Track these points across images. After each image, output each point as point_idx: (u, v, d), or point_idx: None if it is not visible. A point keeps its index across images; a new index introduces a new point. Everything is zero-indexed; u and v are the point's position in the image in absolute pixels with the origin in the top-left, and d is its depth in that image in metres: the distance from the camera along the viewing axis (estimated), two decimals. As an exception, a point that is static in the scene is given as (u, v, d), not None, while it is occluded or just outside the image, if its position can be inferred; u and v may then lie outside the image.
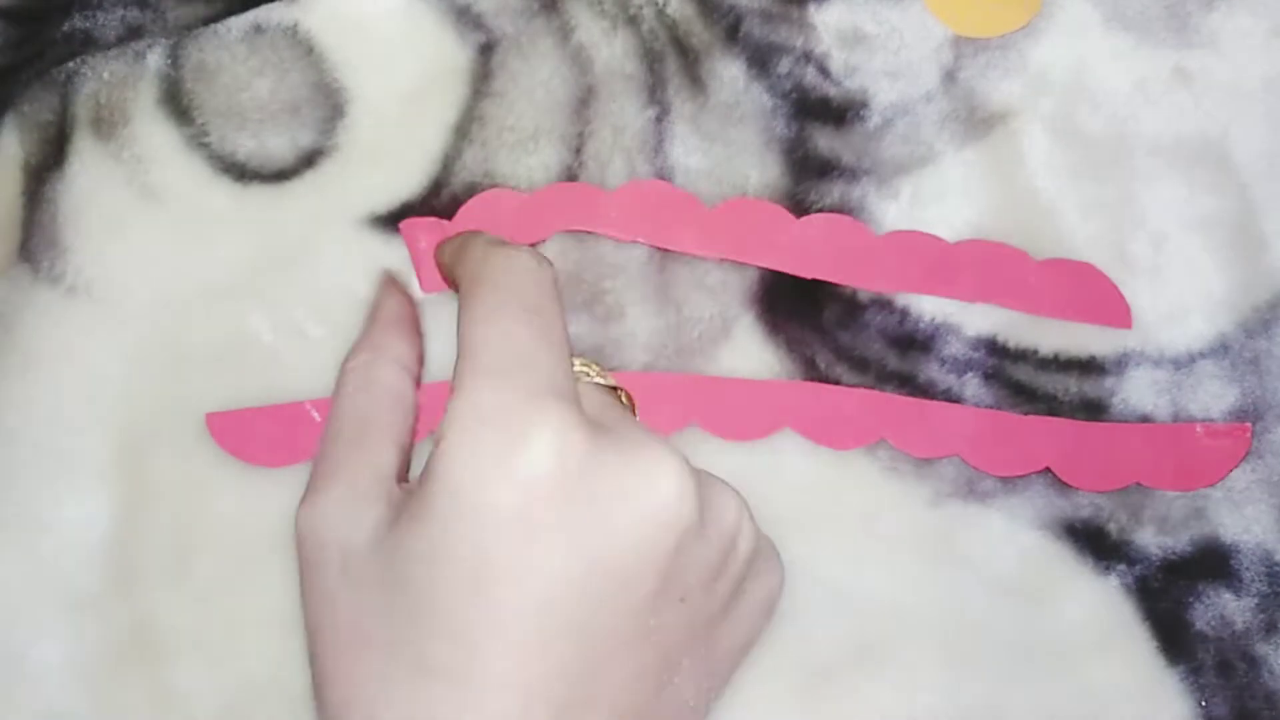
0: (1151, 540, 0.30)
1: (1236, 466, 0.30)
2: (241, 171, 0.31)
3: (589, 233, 0.31)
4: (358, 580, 0.24)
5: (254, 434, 0.30)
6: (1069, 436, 0.30)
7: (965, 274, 0.30)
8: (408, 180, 0.31)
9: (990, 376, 0.30)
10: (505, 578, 0.22)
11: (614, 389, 0.28)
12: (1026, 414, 0.30)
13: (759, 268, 0.31)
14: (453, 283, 0.28)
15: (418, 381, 0.28)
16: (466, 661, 0.22)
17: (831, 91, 0.31)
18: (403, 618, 0.23)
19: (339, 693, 0.23)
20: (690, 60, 0.31)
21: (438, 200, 0.31)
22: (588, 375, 0.27)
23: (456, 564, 0.22)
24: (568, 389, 0.24)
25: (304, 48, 0.31)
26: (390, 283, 0.30)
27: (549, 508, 0.22)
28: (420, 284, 0.30)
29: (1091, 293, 0.30)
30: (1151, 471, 0.30)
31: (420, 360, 0.28)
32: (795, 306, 0.31)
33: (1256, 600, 0.30)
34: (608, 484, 0.23)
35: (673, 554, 0.23)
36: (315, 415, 0.30)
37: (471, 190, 0.31)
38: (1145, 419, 0.30)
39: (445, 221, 0.30)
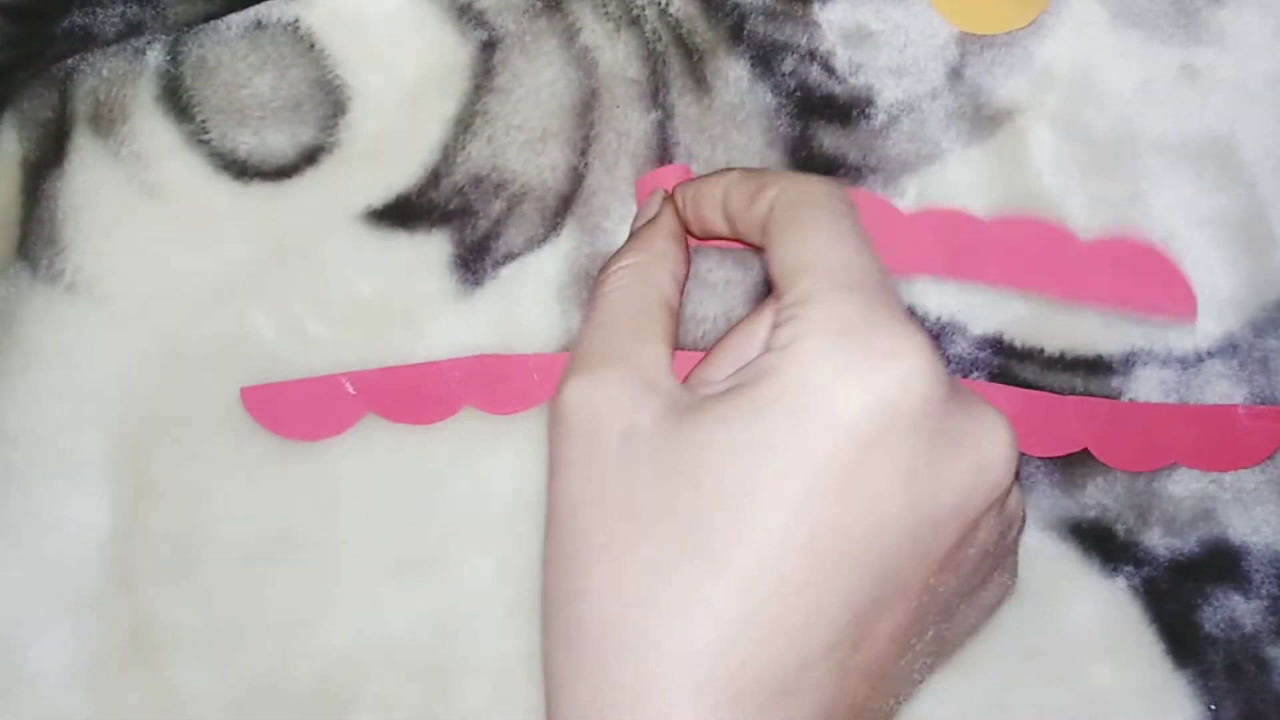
0: (1159, 541, 0.30)
1: (1278, 449, 0.29)
2: (242, 169, 0.30)
3: (599, 229, 0.30)
4: (642, 459, 0.23)
5: (288, 407, 0.30)
6: (1106, 416, 0.29)
7: (997, 256, 0.30)
8: (405, 172, 0.30)
9: (996, 375, 0.30)
10: (834, 492, 0.21)
11: None
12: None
13: (765, 266, 0.30)
14: (724, 223, 0.27)
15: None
16: (762, 565, 0.21)
17: (836, 90, 0.31)
18: (698, 505, 0.22)
19: (606, 566, 0.22)
20: (694, 60, 0.31)
21: (435, 191, 0.30)
22: None
23: (784, 463, 0.21)
24: (915, 321, 0.23)
25: (305, 44, 0.31)
26: (666, 199, 0.29)
27: (897, 435, 0.22)
28: None
29: (1149, 277, 0.29)
30: (1191, 452, 0.29)
31: (685, 282, 0.28)
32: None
33: (1266, 602, 0.30)
34: (953, 428, 0.22)
35: (979, 517, 0.23)
36: (350, 388, 0.30)
37: (477, 182, 0.30)
38: (1153, 419, 0.30)
39: (684, 167, 0.30)
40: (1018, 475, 0.24)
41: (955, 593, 0.24)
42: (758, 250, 0.26)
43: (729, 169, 0.28)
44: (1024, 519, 0.26)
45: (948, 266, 0.30)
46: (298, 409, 0.29)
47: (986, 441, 0.23)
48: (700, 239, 0.29)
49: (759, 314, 0.26)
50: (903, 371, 0.22)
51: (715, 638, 0.21)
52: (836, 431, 0.21)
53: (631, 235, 0.28)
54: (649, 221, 0.28)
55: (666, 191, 0.29)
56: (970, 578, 0.24)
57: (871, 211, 0.30)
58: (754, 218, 0.26)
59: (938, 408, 0.22)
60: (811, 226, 0.24)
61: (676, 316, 0.26)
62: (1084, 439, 0.29)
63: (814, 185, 0.25)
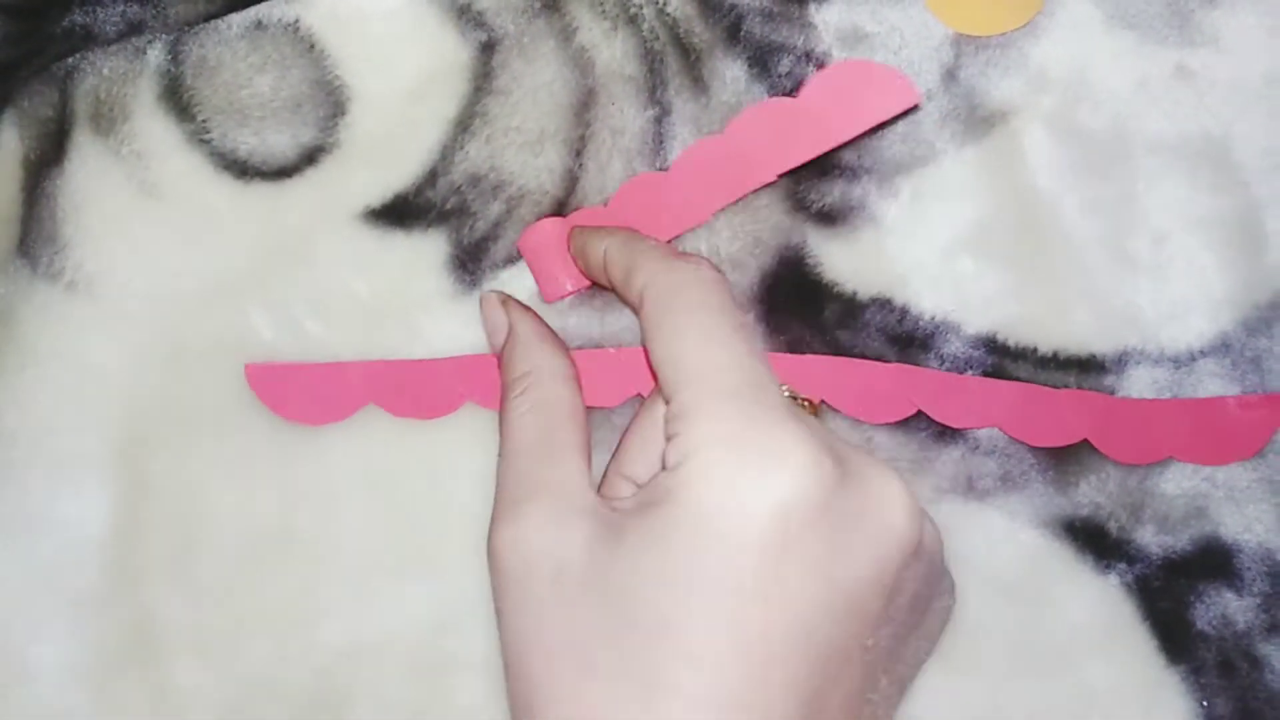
0: (1152, 539, 0.30)
1: (1272, 438, 0.30)
2: (242, 169, 0.31)
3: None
4: (573, 597, 0.24)
5: (291, 388, 0.30)
6: (1102, 410, 0.30)
7: (745, 160, 0.30)
8: (403, 173, 0.31)
9: (990, 374, 0.30)
10: (754, 600, 0.22)
11: (798, 399, 0.29)
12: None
13: (760, 268, 0.31)
14: (608, 282, 0.28)
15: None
16: (708, 684, 0.22)
17: (832, 90, 0.31)
18: (634, 637, 0.23)
19: (562, 711, 0.23)
20: (691, 60, 0.31)
21: (433, 191, 0.31)
22: (791, 397, 0.28)
23: (702, 586, 0.22)
24: (795, 409, 0.24)
25: (305, 44, 0.31)
26: (507, 300, 0.30)
27: (801, 532, 0.23)
28: (543, 293, 0.30)
29: (865, 90, 0.29)
30: (1186, 445, 0.30)
31: (577, 377, 0.28)
32: (796, 305, 0.31)
33: (1258, 600, 0.30)
34: (851, 506, 0.23)
35: (897, 575, 0.24)
36: (354, 377, 0.30)
37: (475, 181, 0.31)
38: (1146, 418, 0.30)
39: (560, 219, 0.30)
40: (922, 511, 0.25)
41: (896, 639, 0.25)
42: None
43: (611, 230, 0.28)
44: (941, 542, 0.26)
45: (720, 195, 0.30)
46: (300, 391, 0.30)
47: (886, 505, 0.24)
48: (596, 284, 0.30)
49: (652, 406, 0.27)
50: (792, 471, 0.23)
51: None
52: (741, 545, 0.22)
53: (503, 356, 0.29)
54: (512, 339, 0.29)
55: (500, 295, 0.30)
56: (907, 621, 0.25)
57: (639, 184, 0.30)
58: (629, 298, 0.27)
59: (832, 494, 0.23)
60: (683, 325, 0.25)
61: (583, 417, 0.27)
62: (1083, 430, 0.30)
63: (681, 272, 0.26)
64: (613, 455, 0.27)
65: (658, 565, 0.23)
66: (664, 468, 0.24)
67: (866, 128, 0.30)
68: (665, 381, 0.25)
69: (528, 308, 0.30)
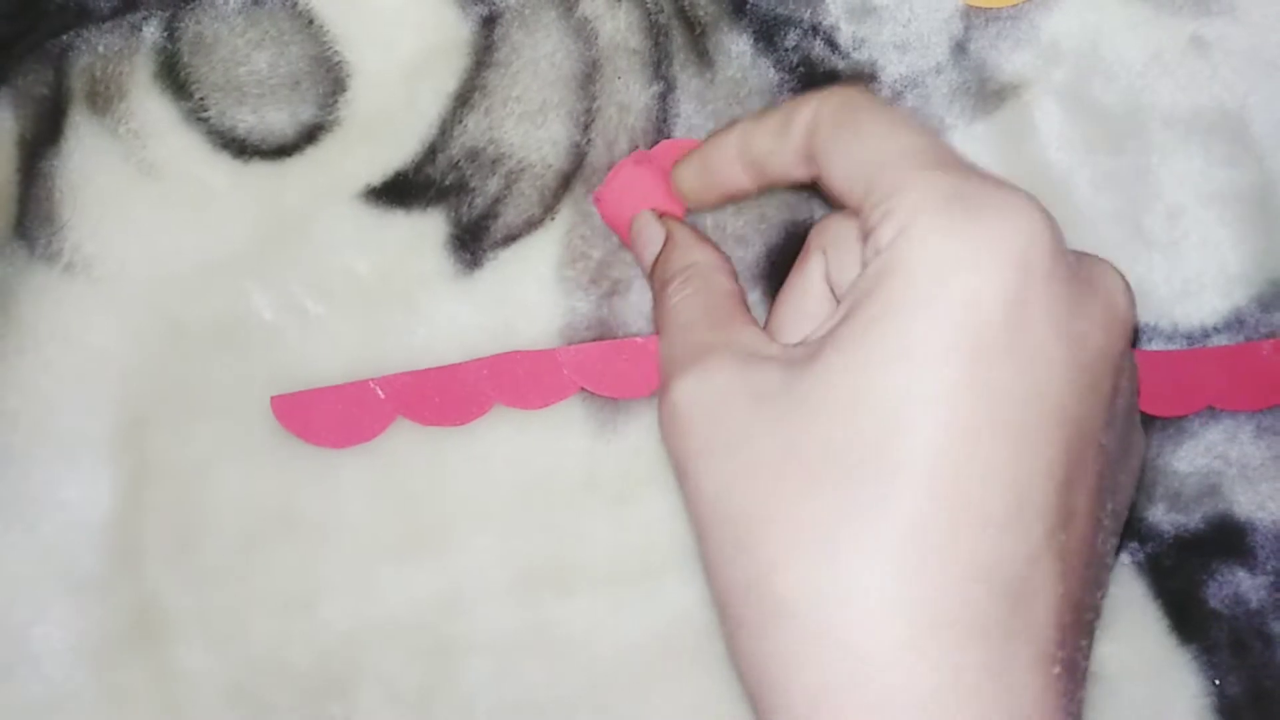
0: (1164, 517, 0.30)
1: None
2: (241, 147, 0.30)
3: (595, 211, 0.30)
4: (776, 416, 0.21)
5: (318, 414, 0.29)
6: (1138, 364, 0.29)
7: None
8: (403, 150, 0.30)
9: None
10: (1002, 360, 0.20)
11: None
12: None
13: (765, 244, 0.30)
14: (720, 194, 0.27)
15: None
16: (957, 461, 0.20)
17: (840, 65, 0.31)
18: (853, 431, 0.20)
19: (779, 533, 0.20)
20: (696, 34, 0.30)
21: (432, 167, 0.30)
22: None
23: (943, 354, 0.20)
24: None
25: (303, 20, 0.30)
26: (659, 221, 0.28)
27: (1039, 286, 0.20)
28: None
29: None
30: (1225, 393, 0.29)
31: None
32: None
33: (1272, 578, 0.30)
34: (1080, 270, 0.22)
35: (1120, 359, 0.22)
36: (380, 393, 0.29)
37: (473, 155, 0.30)
38: (1158, 395, 0.30)
39: (639, 155, 0.30)
40: None
41: (1117, 452, 0.23)
42: (802, 187, 0.25)
43: (729, 123, 0.27)
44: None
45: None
46: (328, 416, 0.29)
47: (1108, 278, 0.22)
48: (712, 205, 0.29)
49: (804, 268, 0.25)
50: (1024, 222, 0.21)
51: (924, 551, 0.20)
52: (982, 298, 0.20)
53: (658, 263, 0.27)
54: (669, 244, 0.27)
55: (655, 211, 0.28)
56: (1124, 435, 0.23)
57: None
58: (791, 148, 0.24)
59: (1064, 250, 0.21)
60: (869, 123, 0.23)
61: (747, 307, 0.25)
62: None
63: (849, 89, 0.24)
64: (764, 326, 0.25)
65: (880, 347, 0.20)
66: (872, 257, 0.21)
67: None
68: (856, 183, 0.22)
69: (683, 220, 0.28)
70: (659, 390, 0.24)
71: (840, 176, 0.23)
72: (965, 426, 0.20)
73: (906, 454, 0.20)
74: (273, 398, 0.29)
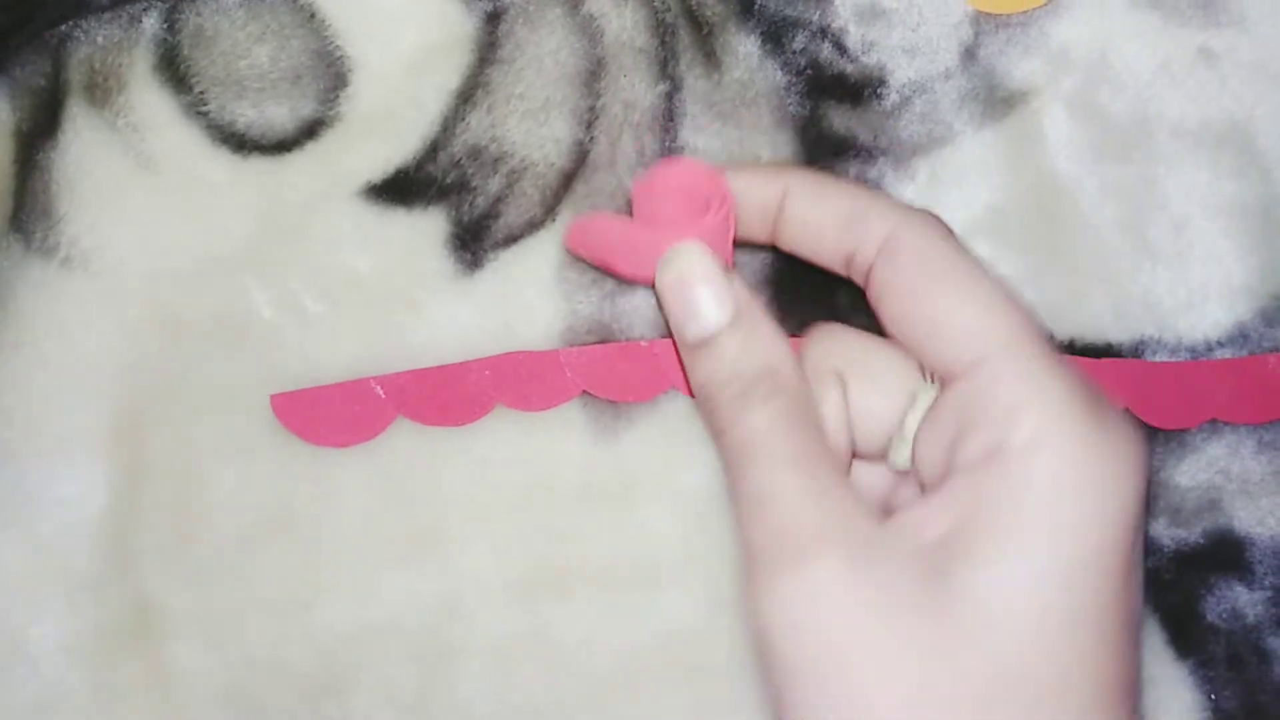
0: (1164, 531, 0.30)
1: None
2: (241, 142, 0.30)
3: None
4: (917, 629, 0.19)
5: (319, 413, 0.29)
6: (1140, 376, 0.29)
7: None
8: (404, 147, 0.30)
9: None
10: (1122, 582, 0.20)
11: None
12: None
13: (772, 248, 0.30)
14: (771, 233, 0.23)
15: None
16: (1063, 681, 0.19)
17: (848, 68, 0.30)
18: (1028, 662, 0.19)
19: None
20: (704, 34, 0.30)
21: (433, 165, 0.30)
22: None
23: (1077, 578, 0.19)
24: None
25: (305, 14, 0.30)
26: (729, 274, 0.23)
27: (1140, 518, 0.20)
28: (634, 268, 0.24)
29: None
30: (1228, 405, 0.29)
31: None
32: (808, 289, 0.30)
33: (1269, 594, 0.30)
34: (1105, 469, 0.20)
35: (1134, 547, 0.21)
36: (380, 392, 0.29)
37: (475, 154, 0.30)
38: (1160, 407, 0.30)
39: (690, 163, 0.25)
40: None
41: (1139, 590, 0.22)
42: (829, 270, 0.23)
43: (785, 167, 0.25)
44: None
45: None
46: (328, 415, 0.29)
47: (1133, 460, 0.21)
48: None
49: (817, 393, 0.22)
50: (1141, 454, 0.20)
51: None
52: (1119, 523, 0.20)
53: (714, 354, 0.22)
54: (744, 332, 0.22)
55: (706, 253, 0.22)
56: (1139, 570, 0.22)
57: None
58: (848, 247, 0.22)
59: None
60: (965, 279, 0.21)
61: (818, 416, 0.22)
62: (1123, 399, 0.29)
63: (932, 220, 0.22)
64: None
65: (1028, 568, 0.19)
66: (993, 452, 0.20)
67: None
68: (948, 343, 0.21)
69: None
70: (748, 582, 0.20)
71: (921, 327, 0.21)
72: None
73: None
74: (272, 396, 0.29)
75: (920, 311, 0.21)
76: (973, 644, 0.19)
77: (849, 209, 0.22)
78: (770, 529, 0.20)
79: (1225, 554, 0.30)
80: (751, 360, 0.22)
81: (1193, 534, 0.30)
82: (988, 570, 0.19)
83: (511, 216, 0.30)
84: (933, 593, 0.19)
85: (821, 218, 0.23)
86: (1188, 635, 0.29)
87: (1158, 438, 0.30)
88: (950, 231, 0.23)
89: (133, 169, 0.30)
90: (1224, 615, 0.30)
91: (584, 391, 0.29)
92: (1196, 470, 0.30)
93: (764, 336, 0.22)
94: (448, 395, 0.29)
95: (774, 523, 0.20)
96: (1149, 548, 0.30)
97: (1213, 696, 0.29)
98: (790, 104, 0.30)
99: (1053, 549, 0.19)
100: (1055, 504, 0.19)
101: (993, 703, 0.19)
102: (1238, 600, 0.30)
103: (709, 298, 0.22)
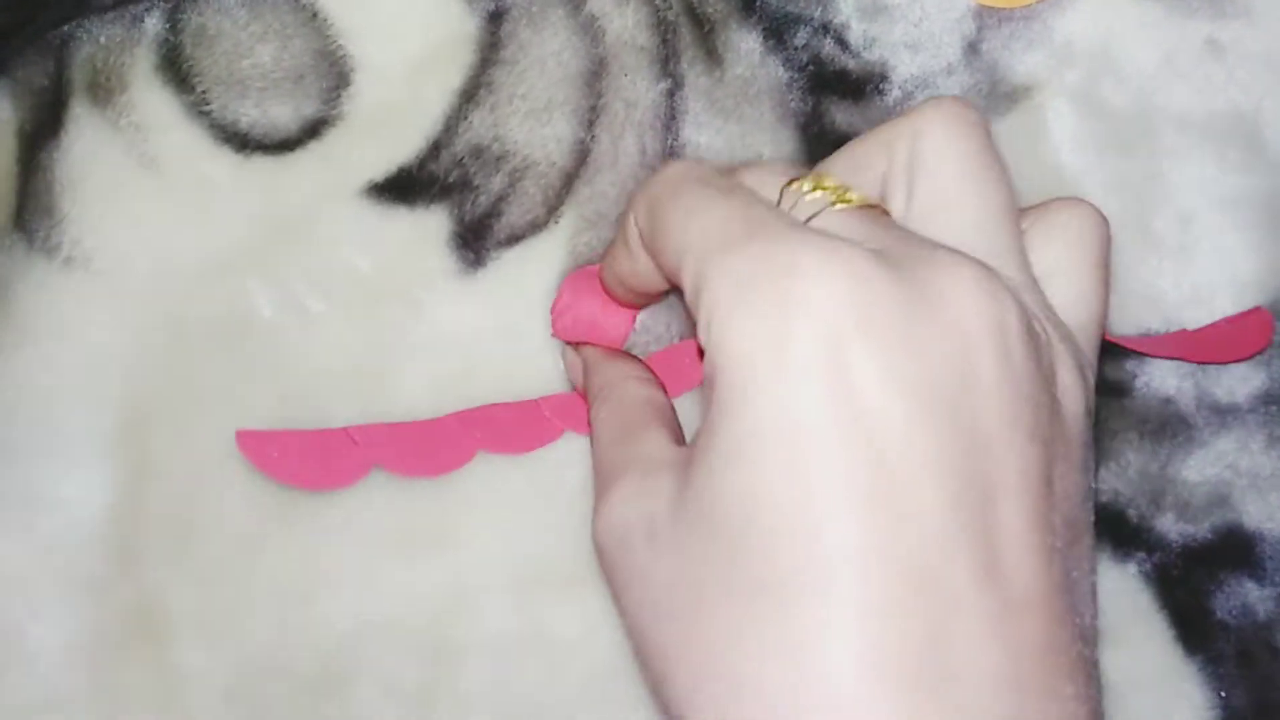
0: (1172, 527, 0.30)
1: (1272, 337, 0.29)
2: (243, 142, 0.30)
3: (600, 216, 0.30)
4: (669, 544, 0.21)
5: (290, 455, 0.29)
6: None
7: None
8: (407, 146, 0.30)
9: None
10: (846, 441, 0.19)
11: (873, 207, 0.23)
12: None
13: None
14: (633, 296, 0.27)
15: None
16: (804, 568, 0.19)
17: (850, 64, 0.30)
18: (728, 556, 0.20)
19: (691, 660, 0.20)
20: (705, 31, 0.30)
21: (435, 164, 0.30)
22: (835, 201, 0.23)
23: (777, 454, 0.19)
24: (808, 228, 0.21)
25: (308, 13, 0.30)
26: (576, 344, 0.29)
27: (859, 345, 0.19)
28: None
29: None
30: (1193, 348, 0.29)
31: (650, 373, 0.27)
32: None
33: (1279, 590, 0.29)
34: (915, 294, 0.20)
35: (985, 368, 0.20)
36: (355, 441, 0.29)
37: (478, 152, 0.30)
38: (1168, 402, 0.30)
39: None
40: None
41: (1042, 459, 0.20)
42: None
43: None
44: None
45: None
46: (299, 458, 0.29)
47: (949, 287, 0.20)
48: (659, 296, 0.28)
49: None
50: (820, 284, 0.19)
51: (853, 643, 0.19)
52: (795, 389, 0.19)
53: (584, 389, 0.28)
54: (586, 368, 0.28)
55: (570, 343, 0.29)
56: (1035, 432, 0.20)
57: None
58: (642, 264, 0.25)
59: (884, 294, 0.20)
60: (670, 209, 0.22)
61: (662, 401, 0.26)
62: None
63: (662, 172, 0.24)
64: None
65: (726, 463, 0.20)
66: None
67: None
68: (673, 273, 0.22)
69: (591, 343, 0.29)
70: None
71: (662, 266, 0.23)
72: (822, 515, 0.19)
73: (780, 561, 0.19)
74: (239, 432, 0.29)
75: (658, 264, 0.24)
76: (692, 526, 0.21)
77: (622, 225, 0.25)
78: (597, 470, 0.25)
79: (1235, 550, 0.29)
80: (592, 386, 0.28)
81: (1201, 530, 0.30)
82: (701, 469, 0.21)
83: (514, 215, 0.30)
84: (681, 499, 0.21)
85: (625, 248, 0.25)
86: (1197, 632, 0.29)
87: (1165, 435, 0.30)
88: (677, 168, 0.24)
89: (135, 169, 0.30)
90: (1234, 612, 0.29)
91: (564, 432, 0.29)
92: (1205, 465, 0.30)
93: (597, 367, 0.28)
94: (426, 447, 0.29)
95: (598, 464, 0.25)
96: (1157, 543, 0.30)
97: (1223, 694, 0.29)
98: (792, 100, 0.30)
99: (736, 430, 0.20)
100: (730, 389, 0.20)
101: (714, 603, 0.20)
102: (1248, 596, 0.29)
103: (574, 366, 0.29)
